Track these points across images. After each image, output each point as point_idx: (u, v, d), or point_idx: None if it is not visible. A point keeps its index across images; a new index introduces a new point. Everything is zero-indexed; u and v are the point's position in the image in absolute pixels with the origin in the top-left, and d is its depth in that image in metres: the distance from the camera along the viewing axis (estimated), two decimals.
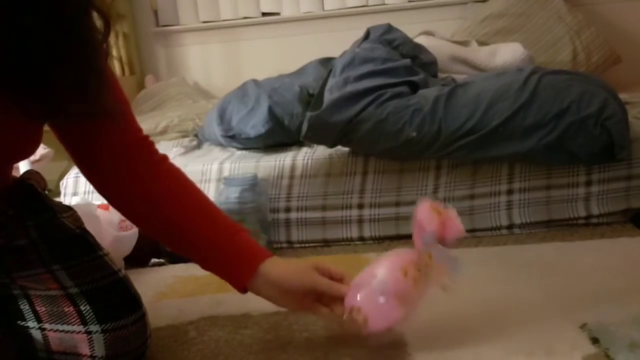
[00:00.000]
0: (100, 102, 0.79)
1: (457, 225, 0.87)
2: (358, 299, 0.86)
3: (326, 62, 1.76)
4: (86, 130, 0.87)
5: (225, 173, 1.57)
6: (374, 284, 0.86)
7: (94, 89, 0.77)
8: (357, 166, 1.51)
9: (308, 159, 1.54)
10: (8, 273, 0.86)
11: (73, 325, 0.85)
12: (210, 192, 1.56)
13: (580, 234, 1.40)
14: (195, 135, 1.90)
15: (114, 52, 2.55)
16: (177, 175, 0.95)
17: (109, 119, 0.84)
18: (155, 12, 2.82)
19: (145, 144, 0.94)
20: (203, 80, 2.83)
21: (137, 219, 0.97)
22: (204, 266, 0.93)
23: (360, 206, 1.50)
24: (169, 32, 2.81)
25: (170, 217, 0.90)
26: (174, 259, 1.39)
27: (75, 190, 1.62)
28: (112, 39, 2.72)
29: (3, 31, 0.69)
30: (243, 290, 0.91)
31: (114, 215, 1.32)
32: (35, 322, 0.87)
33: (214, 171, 1.58)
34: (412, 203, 1.47)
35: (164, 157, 0.95)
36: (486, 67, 1.93)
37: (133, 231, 1.34)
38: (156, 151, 0.95)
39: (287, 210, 1.52)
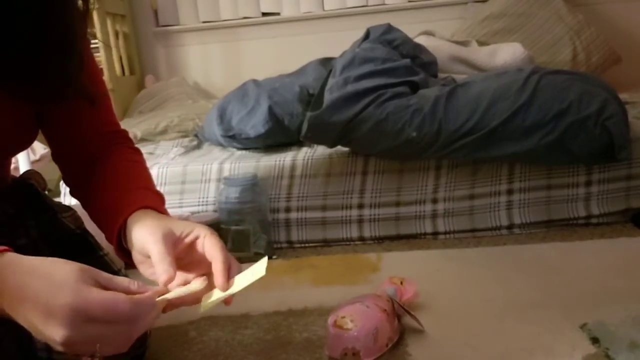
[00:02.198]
0: (78, 84, 0.78)
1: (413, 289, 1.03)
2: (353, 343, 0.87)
3: (326, 62, 1.76)
4: (66, 118, 0.85)
5: (225, 173, 1.57)
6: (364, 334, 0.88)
7: (74, 70, 0.75)
8: (357, 166, 1.52)
9: (308, 159, 1.54)
10: None
11: None
12: (210, 192, 1.57)
13: (580, 234, 1.40)
14: (195, 135, 1.90)
15: (114, 52, 2.55)
16: (135, 159, 0.90)
17: (88, 104, 0.82)
18: (155, 12, 2.82)
19: (121, 135, 0.92)
20: (203, 80, 2.83)
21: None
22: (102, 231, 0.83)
23: (360, 206, 1.50)
24: (169, 32, 2.81)
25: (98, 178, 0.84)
26: None
27: None
28: (112, 39, 2.67)
29: None
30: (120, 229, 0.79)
31: None
32: None
33: (214, 171, 1.59)
34: (412, 203, 1.49)
35: (139, 150, 0.93)
36: (486, 67, 1.93)
37: None
38: (132, 145, 0.93)
39: (287, 210, 1.52)
